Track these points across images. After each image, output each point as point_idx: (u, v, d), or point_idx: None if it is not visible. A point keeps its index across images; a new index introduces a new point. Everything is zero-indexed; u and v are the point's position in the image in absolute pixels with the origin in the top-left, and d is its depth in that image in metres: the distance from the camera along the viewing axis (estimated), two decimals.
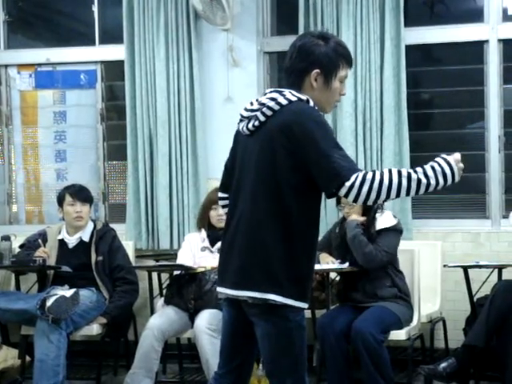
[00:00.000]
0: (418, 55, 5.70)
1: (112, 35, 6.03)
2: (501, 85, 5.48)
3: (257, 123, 2.77)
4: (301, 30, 5.49)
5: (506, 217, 5.39)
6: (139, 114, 5.71)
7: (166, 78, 5.65)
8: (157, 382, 4.75)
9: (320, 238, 4.89)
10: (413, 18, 5.59)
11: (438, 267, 5.16)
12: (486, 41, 5.47)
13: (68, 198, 5.09)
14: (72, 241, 5.12)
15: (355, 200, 2.65)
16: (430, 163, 2.71)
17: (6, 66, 6.21)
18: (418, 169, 2.69)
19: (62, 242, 5.13)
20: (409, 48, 5.45)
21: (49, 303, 4.53)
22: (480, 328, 4.43)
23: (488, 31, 5.46)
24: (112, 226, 5.35)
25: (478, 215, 5.56)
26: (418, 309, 4.75)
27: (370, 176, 2.63)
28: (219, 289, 2.87)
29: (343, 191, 2.63)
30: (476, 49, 5.52)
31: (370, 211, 4.62)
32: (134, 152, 5.75)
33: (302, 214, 2.73)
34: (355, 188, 2.62)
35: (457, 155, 2.73)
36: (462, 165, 2.72)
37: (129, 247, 5.40)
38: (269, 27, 5.81)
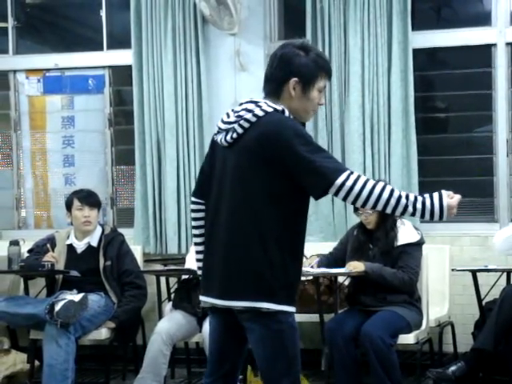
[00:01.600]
0: (425, 59, 5.70)
1: (120, 40, 6.05)
2: (509, 88, 5.47)
3: (235, 135, 2.80)
4: (308, 35, 5.50)
5: None
6: (147, 119, 5.72)
7: (173, 82, 5.66)
8: None
9: (337, 243, 4.94)
10: (420, 22, 5.59)
11: (446, 271, 5.15)
12: (494, 44, 5.46)
13: (76, 203, 5.10)
14: (80, 246, 5.13)
15: (344, 198, 2.69)
16: (426, 196, 2.73)
17: (15, 72, 6.22)
18: (411, 197, 2.71)
19: (70, 247, 5.14)
20: (416, 52, 5.45)
21: (57, 308, 4.54)
22: (489, 332, 4.43)
23: (496, 35, 5.45)
24: (120, 230, 5.35)
25: (486, 219, 5.55)
26: (427, 313, 4.74)
27: (362, 181, 2.67)
28: (204, 298, 2.87)
29: (333, 190, 2.68)
30: (484, 52, 5.52)
31: (387, 220, 4.60)
32: (142, 156, 5.76)
33: (289, 220, 2.76)
34: (346, 187, 2.67)
35: (455, 200, 2.74)
36: (455, 211, 2.75)
37: (137, 252, 5.41)
38: (276, 32, 5.81)
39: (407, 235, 4.60)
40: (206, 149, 5.76)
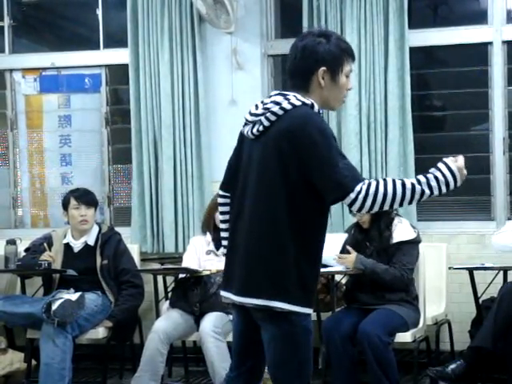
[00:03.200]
0: (422, 57, 5.69)
1: (116, 39, 6.04)
2: (505, 86, 5.47)
3: (261, 128, 2.76)
4: None
5: (510, 218, 5.39)
6: (144, 118, 5.72)
7: (170, 81, 5.66)
8: None
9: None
10: (417, 20, 5.59)
11: (443, 269, 5.16)
12: (490, 42, 5.46)
13: (73, 202, 5.10)
14: (77, 244, 5.12)
15: (359, 210, 2.68)
16: (433, 171, 2.71)
17: (11, 71, 6.22)
18: (422, 179, 2.69)
19: (67, 246, 5.13)
20: (413, 50, 5.45)
21: (54, 307, 4.53)
22: (487, 330, 4.43)
23: (492, 33, 5.45)
24: (117, 229, 5.35)
25: (482, 217, 5.55)
26: (424, 311, 4.74)
27: (373, 188, 2.65)
28: (224, 293, 2.86)
29: (347, 201, 2.66)
30: (480, 51, 5.52)
31: (381, 218, 4.60)
32: (139, 155, 5.75)
33: (307, 220, 2.73)
34: (359, 200, 2.64)
35: (460, 161, 2.73)
36: (465, 171, 2.73)
37: (134, 251, 5.40)
38: (273, 30, 5.82)
39: (403, 233, 4.61)
40: (203, 147, 5.85)
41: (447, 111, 5.80)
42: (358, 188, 2.63)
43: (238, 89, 5.61)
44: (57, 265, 5.04)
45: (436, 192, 2.68)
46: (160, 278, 5.09)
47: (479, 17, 5.57)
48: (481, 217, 5.56)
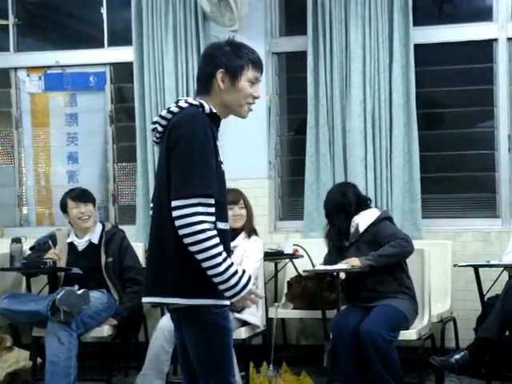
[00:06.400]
0: (426, 54, 5.69)
1: (121, 37, 6.05)
2: (510, 83, 5.46)
3: (158, 134, 2.82)
4: (309, 31, 5.51)
5: None
6: (148, 116, 5.72)
7: (174, 79, 5.66)
8: (167, 382, 4.74)
9: None
10: (421, 18, 5.59)
11: (449, 267, 5.15)
12: (495, 39, 5.46)
13: (70, 203, 5.07)
14: (81, 243, 5.12)
15: (172, 220, 2.61)
16: (241, 271, 2.67)
17: (16, 69, 6.23)
18: (235, 268, 2.64)
19: (71, 245, 5.12)
20: (417, 47, 5.44)
21: (58, 296, 4.53)
22: (493, 322, 4.42)
23: (497, 30, 5.45)
24: (122, 227, 5.34)
25: (488, 214, 5.54)
26: (429, 308, 4.74)
27: (199, 219, 2.58)
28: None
29: (172, 204, 2.61)
30: (485, 47, 5.52)
31: (338, 215, 4.61)
32: (144, 153, 5.76)
33: None
34: (182, 211, 2.59)
35: (254, 291, 2.72)
36: (248, 303, 2.74)
37: (139, 249, 5.40)
38: (277, 28, 5.82)
39: (365, 218, 4.59)
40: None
41: (452, 108, 5.79)
42: (191, 200, 2.59)
43: None
44: (61, 264, 5.03)
45: (218, 278, 2.62)
46: None
47: (484, 14, 5.56)
48: (486, 214, 5.55)
